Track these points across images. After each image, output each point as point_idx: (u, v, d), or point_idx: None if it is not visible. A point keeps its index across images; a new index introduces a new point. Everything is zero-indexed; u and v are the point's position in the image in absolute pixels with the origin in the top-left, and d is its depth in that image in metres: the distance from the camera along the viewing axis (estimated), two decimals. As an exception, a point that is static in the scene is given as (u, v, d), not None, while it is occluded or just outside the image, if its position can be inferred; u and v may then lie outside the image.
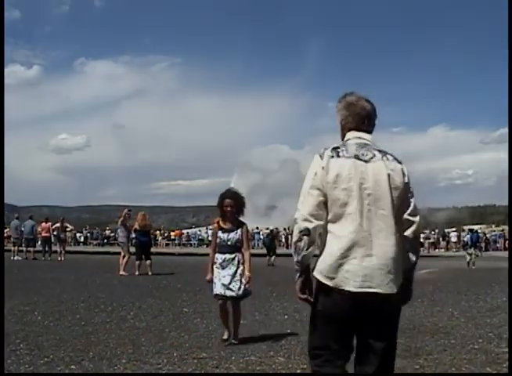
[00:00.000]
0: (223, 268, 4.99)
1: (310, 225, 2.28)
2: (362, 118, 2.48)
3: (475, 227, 33.29)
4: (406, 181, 2.40)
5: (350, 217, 2.28)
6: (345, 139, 2.48)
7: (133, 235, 13.39)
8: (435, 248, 34.92)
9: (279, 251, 20.14)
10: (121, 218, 13.50)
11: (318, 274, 2.32)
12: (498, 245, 36.37)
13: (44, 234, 19.11)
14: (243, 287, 4.98)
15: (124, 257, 12.72)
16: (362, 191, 2.29)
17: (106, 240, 37.87)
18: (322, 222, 2.30)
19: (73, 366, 4.13)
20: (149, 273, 12.30)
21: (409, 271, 2.42)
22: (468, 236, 18.54)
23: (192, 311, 6.94)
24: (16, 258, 17.95)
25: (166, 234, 40.12)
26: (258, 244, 30.27)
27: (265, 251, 18.73)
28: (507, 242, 35.05)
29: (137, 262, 12.43)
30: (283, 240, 33.47)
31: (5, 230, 24.40)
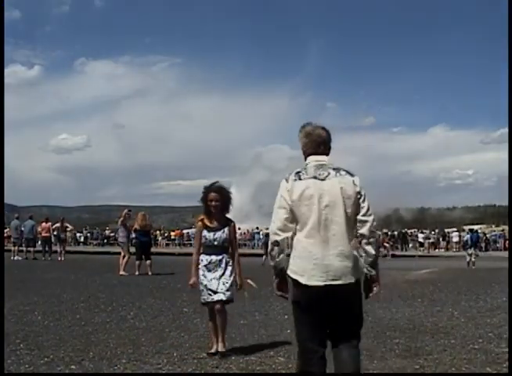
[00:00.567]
0: (209, 270, 4.51)
1: (279, 238, 2.84)
2: (318, 144, 2.99)
3: (475, 227, 33.31)
4: (357, 190, 2.87)
5: (311, 226, 2.81)
6: (306, 162, 2.99)
7: (133, 235, 13.39)
8: (435, 248, 34.91)
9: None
10: (121, 218, 13.50)
11: (291, 273, 2.85)
12: (498, 245, 36.34)
13: (44, 234, 19.11)
14: (231, 290, 4.54)
15: (124, 257, 12.72)
16: (320, 204, 2.81)
17: (106, 240, 37.87)
18: (289, 234, 2.84)
19: (73, 366, 4.13)
20: (149, 273, 12.30)
21: (372, 263, 2.87)
22: (468, 236, 18.53)
23: (192, 311, 6.93)
24: (16, 258, 17.95)
25: (166, 234, 40.12)
26: (258, 244, 30.26)
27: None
28: (507, 242, 35.10)
29: (137, 262, 12.43)
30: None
31: (5, 230, 24.39)
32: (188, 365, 4.21)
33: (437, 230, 39.68)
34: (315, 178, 2.87)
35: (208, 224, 4.61)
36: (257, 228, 35.31)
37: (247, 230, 37.96)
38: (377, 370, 4.10)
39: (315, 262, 2.78)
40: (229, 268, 4.55)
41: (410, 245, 36.06)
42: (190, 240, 39.54)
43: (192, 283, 4.58)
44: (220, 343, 4.55)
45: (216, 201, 4.53)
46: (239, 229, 37.64)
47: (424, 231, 38.29)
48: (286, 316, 6.53)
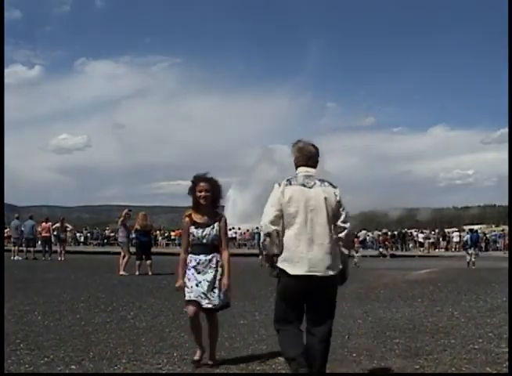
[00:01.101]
0: (198, 272, 4.04)
1: (270, 230, 3.33)
2: (308, 158, 3.55)
3: (475, 227, 33.30)
4: (338, 199, 3.43)
5: (298, 225, 3.34)
6: (297, 172, 3.54)
7: (133, 235, 13.39)
8: (435, 248, 34.90)
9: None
10: (121, 218, 13.51)
11: (280, 264, 3.37)
12: (498, 245, 36.33)
13: (44, 234, 19.12)
14: (222, 296, 4.04)
15: (124, 257, 12.73)
16: (306, 208, 3.35)
17: (106, 240, 37.87)
18: (278, 227, 3.34)
19: (73, 366, 4.13)
20: (150, 273, 12.31)
21: (345, 260, 3.52)
22: (468, 236, 18.52)
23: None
24: (16, 258, 17.95)
25: (166, 234, 40.10)
26: (259, 244, 30.23)
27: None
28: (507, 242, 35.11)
29: (137, 262, 12.44)
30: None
31: (5, 230, 24.39)
32: (188, 365, 4.21)
33: (437, 230, 39.68)
34: (303, 185, 3.41)
35: (196, 219, 4.10)
36: (257, 228, 35.30)
37: (247, 230, 37.94)
38: (377, 370, 4.10)
39: (301, 255, 3.31)
40: (219, 270, 4.07)
41: (410, 245, 36.07)
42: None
43: (178, 287, 4.11)
44: (209, 355, 4.19)
45: (206, 192, 4.05)
46: (239, 229, 37.77)
47: (424, 231, 38.28)
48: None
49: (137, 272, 12.24)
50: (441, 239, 36.78)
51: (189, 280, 4.06)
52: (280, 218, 3.35)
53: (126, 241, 13.32)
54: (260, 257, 17.49)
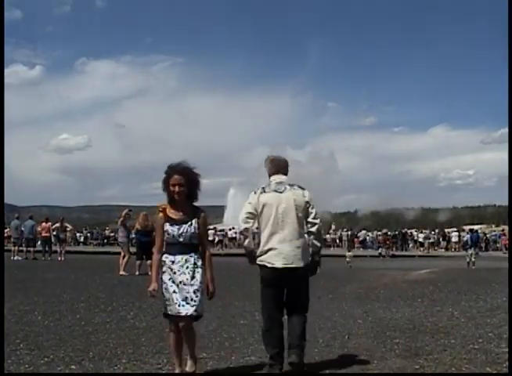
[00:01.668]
0: (174, 273, 3.63)
1: (247, 225, 3.94)
2: (279, 167, 4.16)
3: (475, 227, 33.30)
4: (307, 200, 3.98)
5: (271, 225, 3.92)
6: (270, 180, 4.10)
7: (133, 235, 13.39)
8: (435, 248, 34.89)
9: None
10: (121, 219, 13.51)
11: (259, 260, 3.95)
12: (498, 245, 36.31)
13: (44, 234, 19.11)
14: (202, 301, 3.65)
15: (123, 257, 12.73)
16: (278, 210, 3.91)
17: (106, 240, 37.86)
18: (254, 225, 3.94)
19: (73, 366, 4.13)
20: (150, 273, 12.29)
21: (317, 252, 4.04)
22: (468, 236, 18.52)
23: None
24: (16, 258, 17.95)
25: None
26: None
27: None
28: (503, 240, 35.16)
29: (137, 262, 12.43)
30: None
31: (5, 230, 24.40)
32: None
33: (437, 230, 39.67)
34: (275, 191, 3.99)
35: (172, 215, 3.69)
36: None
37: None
38: (377, 370, 4.10)
39: (275, 251, 3.88)
40: (199, 271, 3.65)
41: (410, 245, 36.06)
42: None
43: (151, 290, 3.67)
44: (189, 361, 3.84)
45: (180, 186, 3.61)
46: (232, 228, 37.54)
47: (424, 231, 38.28)
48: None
49: (137, 272, 12.23)
50: (441, 239, 36.77)
51: (166, 289, 3.60)
52: (252, 218, 3.95)
53: (126, 241, 13.32)
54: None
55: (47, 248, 18.99)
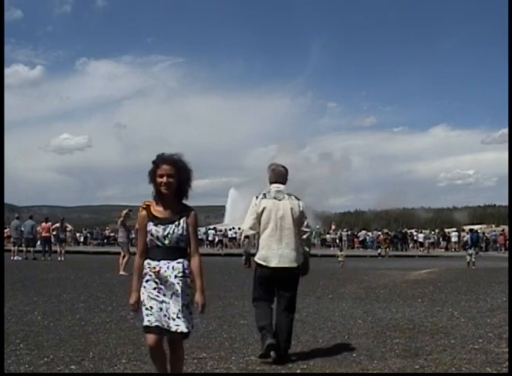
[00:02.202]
0: (160, 283, 3.09)
1: (249, 233, 4.41)
2: (278, 177, 4.54)
3: (475, 227, 33.29)
4: (301, 210, 4.43)
5: (270, 229, 4.34)
6: (270, 187, 4.50)
7: (133, 235, 13.38)
8: (435, 248, 34.89)
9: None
10: (121, 218, 13.51)
11: (257, 259, 4.37)
12: (497, 245, 36.29)
13: (44, 234, 19.10)
14: (190, 317, 3.11)
15: (123, 257, 12.72)
16: (277, 216, 4.34)
17: (106, 240, 37.85)
18: (255, 232, 4.39)
19: (73, 367, 4.13)
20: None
21: (307, 256, 4.50)
22: (468, 236, 18.51)
23: (192, 311, 6.93)
24: (16, 258, 17.94)
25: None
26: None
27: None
28: (501, 238, 35.21)
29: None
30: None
31: (5, 230, 24.39)
32: (188, 365, 4.20)
33: (437, 230, 39.68)
34: (274, 198, 4.41)
35: (156, 213, 3.16)
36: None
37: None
38: (377, 370, 4.10)
39: (272, 252, 4.30)
40: (187, 281, 3.13)
41: (410, 245, 36.07)
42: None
43: (132, 303, 3.17)
44: None
45: (169, 177, 3.11)
46: (239, 228, 37.63)
47: (424, 231, 38.27)
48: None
49: (137, 272, 12.21)
50: (441, 239, 36.77)
51: (148, 297, 3.09)
52: (257, 224, 4.37)
53: (126, 241, 13.32)
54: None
55: (47, 248, 18.98)
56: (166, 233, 3.10)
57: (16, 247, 18.56)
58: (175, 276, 3.07)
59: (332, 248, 34.68)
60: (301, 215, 4.43)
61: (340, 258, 17.45)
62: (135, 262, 3.22)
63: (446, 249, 35.30)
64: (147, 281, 3.11)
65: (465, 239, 19.72)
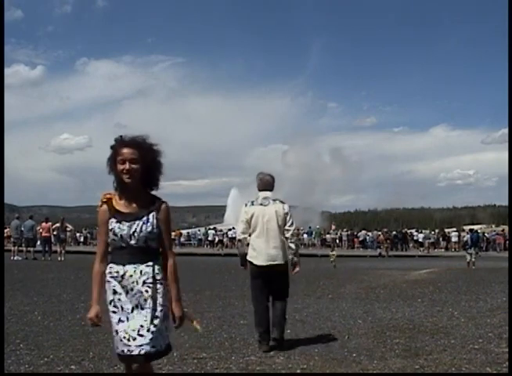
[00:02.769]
0: (126, 292, 2.57)
1: (241, 237, 5.06)
2: (266, 185, 5.10)
3: (475, 227, 33.27)
4: (285, 212, 4.96)
5: (258, 231, 4.93)
6: (258, 194, 5.06)
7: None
8: (435, 248, 34.88)
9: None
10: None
11: (249, 258, 4.96)
12: (495, 245, 36.22)
13: (44, 234, 19.10)
14: (165, 334, 2.60)
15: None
16: (263, 219, 4.92)
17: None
18: (247, 235, 4.99)
19: (73, 367, 4.13)
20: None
21: (295, 253, 5.00)
22: (468, 236, 18.51)
23: (192, 311, 6.90)
24: (16, 258, 17.94)
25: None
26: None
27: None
28: (498, 239, 35.20)
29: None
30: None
31: (5, 230, 24.39)
32: (188, 365, 4.21)
33: (437, 230, 39.65)
34: (261, 205, 4.98)
35: (120, 208, 2.61)
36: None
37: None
38: (377, 370, 4.10)
39: (260, 251, 4.89)
40: (160, 289, 2.59)
41: (410, 245, 36.05)
42: (190, 240, 39.61)
43: (91, 317, 2.61)
44: None
45: (132, 162, 2.55)
46: (232, 228, 37.52)
47: (424, 231, 38.25)
48: (286, 316, 6.53)
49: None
50: (441, 239, 36.75)
51: (114, 312, 2.58)
52: (247, 229, 4.98)
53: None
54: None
55: (47, 248, 18.97)
56: (132, 231, 2.56)
57: (16, 247, 18.56)
58: (143, 283, 2.55)
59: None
60: (285, 215, 4.96)
61: (331, 258, 17.27)
62: (94, 267, 2.65)
63: (446, 249, 35.28)
64: (109, 289, 2.61)
65: (465, 239, 19.70)
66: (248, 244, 4.96)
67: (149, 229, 2.58)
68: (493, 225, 74.58)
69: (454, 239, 35.58)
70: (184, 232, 42.89)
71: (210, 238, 36.01)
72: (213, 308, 7.25)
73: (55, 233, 19.36)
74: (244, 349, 4.75)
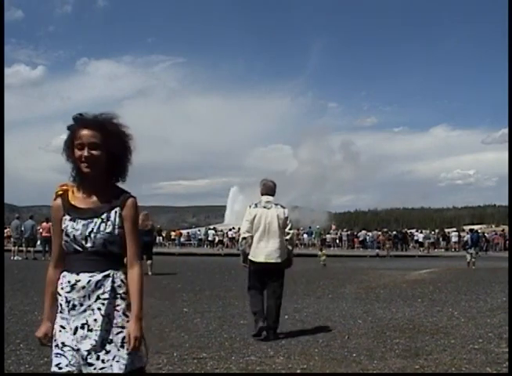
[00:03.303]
0: (73, 308, 2.06)
1: (246, 236, 5.44)
2: (268, 190, 5.59)
3: (475, 227, 33.26)
4: (286, 216, 5.46)
5: (260, 231, 5.36)
6: (261, 198, 5.54)
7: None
8: (435, 248, 34.88)
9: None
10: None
11: (250, 256, 5.41)
12: (493, 244, 36.21)
13: (44, 234, 19.10)
14: (126, 357, 1.98)
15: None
16: (266, 221, 5.37)
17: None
18: (250, 234, 5.40)
19: (73, 366, 4.12)
20: (150, 273, 12.30)
21: (290, 252, 5.54)
22: (468, 236, 18.50)
23: (192, 311, 6.94)
24: (16, 258, 17.94)
25: (165, 234, 40.00)
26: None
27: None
28: (495, 239, 35.20)
29: (137, 262, 12.41)
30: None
31: (5, 230, 24.39)
32: (188, 365, 4.21)
33: (437, 230, 39.65)
34: (264, 207, 5.44)
35: (76, 203, 2.11)
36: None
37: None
38: (377, 370, 4.10)
39: (261, 250, 5.34)
40: (120, 305, 2.05)
41: (410, 245, 36.05)
42: (190, 240, 39.61)
43: (39, 337, 2.20)
44: None
45: (93, 148, 2.05)
46: (239, 228, 37.61)
47: (424, 231, 38.25)
48: (286, 316, 6.53)
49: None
50: (441, 239, 36.75)
51: (63, 327, 2.08)
52: (251, 228, 5.38)
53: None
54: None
55: (47, 248, 18.96)
56: (88, 231, 2.04)
57: (16, 247, 18.57)
58: (97, 298, 2.01)
59: (332, 248, 34.67)
60: (285, 220, 5.45)
61: (322, 258, 17.06)
62: (47, 274, 2.27)
63: (446, 249, 35.29)
64: (60, 306, 2.14)
65: (465, 239, 19.70)
66: (251, 244, 5.37)
67: (109, 229, 2.05)
68: (493, 225, 74.56)
69: (454, 239, 35.58)
70: (184, 232, 42.89)
71: (210, 238, 36.01)
72: (213, 308, 7.25)
73: (55, 233, 19.35)
74: (244, 349, 4.75)
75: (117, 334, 2.01)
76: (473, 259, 17.02)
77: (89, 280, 2.03)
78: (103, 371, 1.96)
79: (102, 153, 2.06)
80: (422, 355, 4.55)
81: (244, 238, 5.47)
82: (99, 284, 2.03)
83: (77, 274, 2.06)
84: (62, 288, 2.13)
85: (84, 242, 2.05)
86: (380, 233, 35.89)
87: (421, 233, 37.36)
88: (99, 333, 1.99)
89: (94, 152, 2.04)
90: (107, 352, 1.99)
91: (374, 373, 4.04)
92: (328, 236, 37.32)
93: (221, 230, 36.73)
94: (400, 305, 7.60)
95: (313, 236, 36.66)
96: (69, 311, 2.07)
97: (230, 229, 36.74)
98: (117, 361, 1.98)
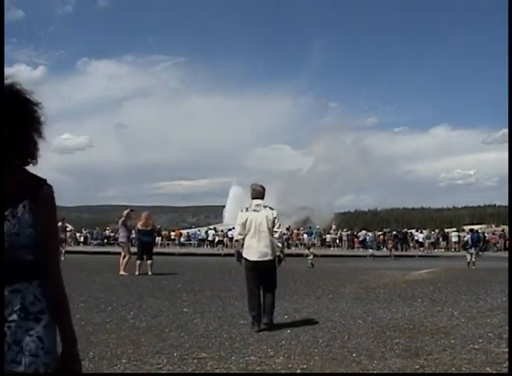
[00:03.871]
0: None
1: (239, 238, 6.02)
2: (258, 194, 6.11)
3: (475, 227, 33.27)
4: (274, 216, 5.95)
5: (251, 232, 5.87)
6: (252, 202, 6.07)
7: (133, 235, 13.36)
8: (435, 248, 34.87)
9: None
10: (123, 218, 13.50)
11: (244, 254, 5.91)
12: (498, 245, 36.22)
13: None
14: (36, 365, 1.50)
15: (124, 257, 12.72)
16: (256, 223, 5.88)
17: (106, 240, 37.84)
18: (243, 236, 5.93)
19: (73, 366, 4.12)
20: (150, 273, 12.31)
21: (281, 250, 5.98)
22: (469, 236, 18.51)
23: (192, 311, 6.94)
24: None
25: (165, 234, 40.01)
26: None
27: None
28: (494, 239, 35.18)
29: (138, 262, 12.43)
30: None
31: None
32: (188, 365, 4.21)
33: (437, 230, 39.64)
34: (254, 211, 5.96)
35: None
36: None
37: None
38: (377, 370, 4.10)
39: (253, 249, 5.84)
40: (33, 332, 1.57)
41: (410, 245, 36.04)
42: (190, 240, 39.61)
43: None
44: None
45: None
46: (232, 228, 37.48)
47: (424, 231, 38.24)
48: (286, 316, 6.54)
49: (137, 272, 12.23)
50: (441, 239, 36.75)
51: None
52: (243, 231, 5.92)
53: (127, 241, 13.32)
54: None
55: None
56: None
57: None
58: (9, 314, 1.53)
59: (332, 248, 34.66)
60: (274, 219, 5.95)
61: (310, 257, 16.65)
62: None
63: (446, 249, 35.28)
64: None
65: (465, 239, 19.70)
66: (243, 244, 5.92)
67: (16, 229, 1.54)
68: (493, 225, 74.58)
69: (454, 239, 35.57)
70: (184, 232, 42.88)
71: (210, 238, 36.01)
72: (213, 308, 7.25)
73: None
74: (244, 349, 4.75)
75: (30, 365, 1.51)
76: (473, 259, 17.02)
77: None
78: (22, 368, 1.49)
79: (4, 129, 1.54)
80: (422, 355, 4.55)
81: (237, 240, 6.10)
82: (5, 303, 1.51)
83: None
84: None
85: None
86: (380, 233, 35.85)
87: (421, 233, 37.35)
88: (10, 364, 1.48)
89: None
90: (22, 358, 1.50)
91: (374, 373, 4.04)
92: (328, 236, 37.32)
93: (222, 230, 36.73)
94: (400, 305, 7.60)
95: (313, 236, 36.66)
96: None
97: (230, 229, 36.73)
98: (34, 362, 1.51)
